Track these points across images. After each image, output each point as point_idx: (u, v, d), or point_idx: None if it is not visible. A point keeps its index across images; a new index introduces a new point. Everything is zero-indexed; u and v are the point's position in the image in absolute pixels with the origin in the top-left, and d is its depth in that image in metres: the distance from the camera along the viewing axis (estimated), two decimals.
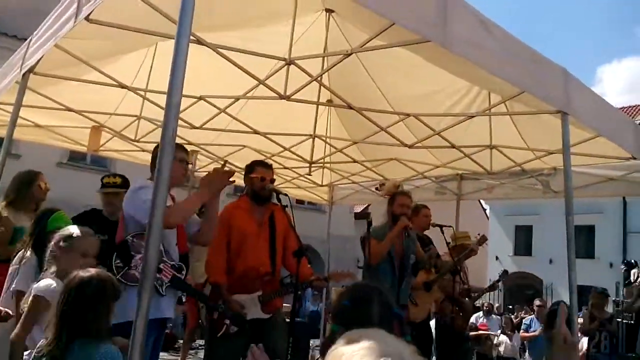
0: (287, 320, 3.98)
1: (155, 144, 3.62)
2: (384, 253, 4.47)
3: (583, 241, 21.90)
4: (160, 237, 1.71)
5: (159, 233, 1.69)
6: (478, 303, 10.37)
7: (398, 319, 1.61)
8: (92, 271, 2.35)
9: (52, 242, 2.82)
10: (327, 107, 5.36)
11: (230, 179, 3.16)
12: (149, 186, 3.04)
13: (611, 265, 20.68)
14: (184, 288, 3.27)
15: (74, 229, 2.85)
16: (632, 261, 6.51)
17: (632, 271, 6.44)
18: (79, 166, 13.90)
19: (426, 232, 5.61)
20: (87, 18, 2.65)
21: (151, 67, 4.22)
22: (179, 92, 1.69)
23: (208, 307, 3.74)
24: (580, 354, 6.23)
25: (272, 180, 3.96)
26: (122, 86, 4.24)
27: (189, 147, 5.65)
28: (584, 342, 6.63)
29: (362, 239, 4.67)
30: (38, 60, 3.26)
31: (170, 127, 1.70)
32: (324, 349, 0.91)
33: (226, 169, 3.29)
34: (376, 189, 5.29)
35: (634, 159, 4.26)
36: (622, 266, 6.60)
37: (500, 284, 8.70)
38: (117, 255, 3.00)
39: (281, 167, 6.40)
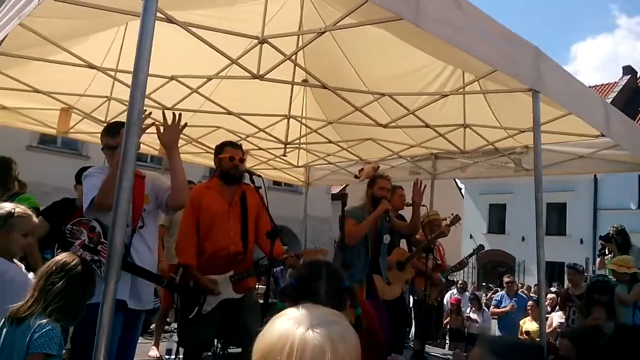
0: (261, 301, 3.97)
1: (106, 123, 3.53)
2: (361, 235, 4.49)
3: (555, 218, 22.34)
4: (125, 220, 1.67)
5: (124, 216, 1.66)
6: (454, 278, 10.55)
7: (350, 293, 1.66)
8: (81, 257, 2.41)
9: None
10: (303, 87, 5.32)
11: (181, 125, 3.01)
12: (91, 174, 3.02)
13: (582, 241, 21.18)
14: (127, 268, 3.02)
15: (10, 208, 2.67)
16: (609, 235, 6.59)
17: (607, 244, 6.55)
18: (50, 149, 13.55)
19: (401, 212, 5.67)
20: None
21: (121, 46, 4.12)
22: (145, 70, 1.65)
23: (165, 286, 3.66)
24: (550, 329, 6.39)
25: (242, 160, 3.88)
26: (91, 66, 4.13)
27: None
28: (553, 318, 6.79)
29: (341, 218, 4.68)
30: (2, 40, 3.15)
31: (136, 107, 1.66)
32: None
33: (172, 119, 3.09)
34: (355, 176, 5.30)
35: (603, 136, 4.35)
36: (600, 240, 6.68)
37: (474, 260, 8.74)
38: (58, 245, 2.96)
39: (256, 148, 6.36)
